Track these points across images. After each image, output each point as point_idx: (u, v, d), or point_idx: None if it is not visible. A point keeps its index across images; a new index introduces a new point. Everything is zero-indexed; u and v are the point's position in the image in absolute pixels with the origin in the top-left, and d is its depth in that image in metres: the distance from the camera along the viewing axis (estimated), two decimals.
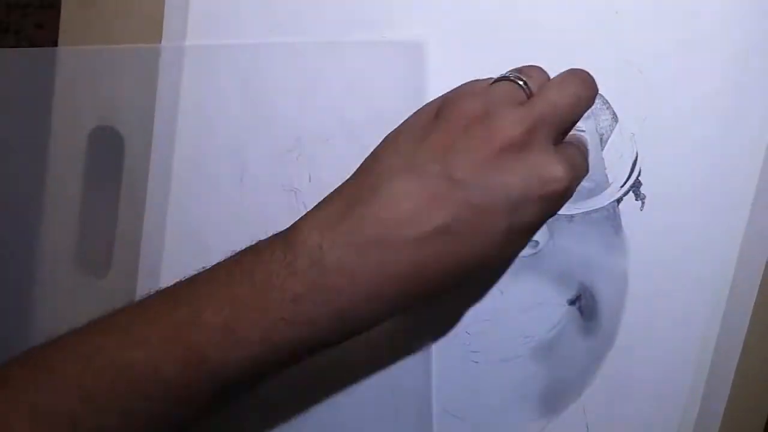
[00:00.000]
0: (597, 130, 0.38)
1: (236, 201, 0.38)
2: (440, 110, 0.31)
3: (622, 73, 0.37)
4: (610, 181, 0.38)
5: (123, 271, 0.41)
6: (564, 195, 0.30)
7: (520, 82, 0.32)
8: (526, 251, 0.39)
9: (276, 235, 0.31)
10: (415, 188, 0.28)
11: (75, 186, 0.41)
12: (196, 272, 0.30)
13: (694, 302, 0.38)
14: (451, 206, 0.28)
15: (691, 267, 0.38)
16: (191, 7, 0.39)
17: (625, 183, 0.38)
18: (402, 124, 0.33)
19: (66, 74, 0.40)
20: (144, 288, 0.41)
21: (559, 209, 0.32)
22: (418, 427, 0.40)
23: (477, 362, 0.39)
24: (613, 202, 0.38)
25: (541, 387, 0.39)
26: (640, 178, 0.38)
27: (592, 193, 0.38)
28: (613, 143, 0.38)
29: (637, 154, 0.38)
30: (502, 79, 0.32)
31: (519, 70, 0.33)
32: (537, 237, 0.38)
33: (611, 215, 0.38)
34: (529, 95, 0.32)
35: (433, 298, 0.30)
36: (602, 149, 0.38)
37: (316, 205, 0.31)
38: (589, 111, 0.37)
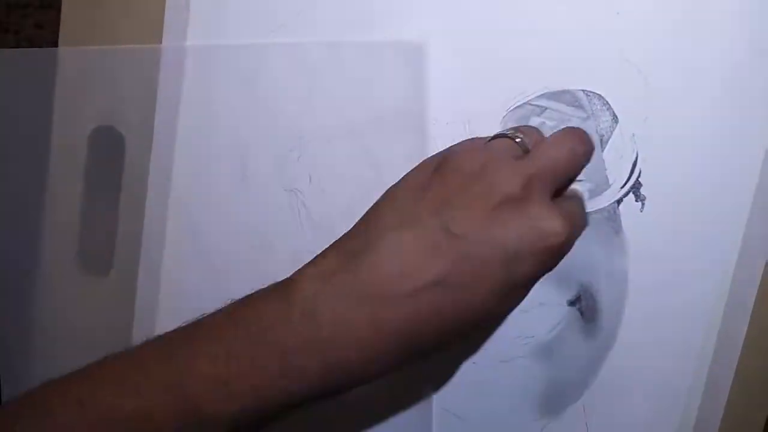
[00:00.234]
0: (597, 131, 0.38)
1: (237, 201, 0.38)
2: (439, 166, 0.31)
3: (623, 74, 0.37)
4: (611, 182, 0.38)
5: (124, 270, 0.41)
6: (562, 249, 0.30)
7: (518, 139, 0.32)
8: None
9: (274, 284, 0.31)
10: (412, 241, 0.28)
11: (76, 185, 0.41)
12: (193, 319, 0.30)
13: (694, 303, 0.38)
14: (448, 259, 0.28)
15: (690, 268, 0.38)
16: (192, 7, 0.39)
17: (625, 184, 0.38)
18: (402, 178, 0.33)
19: (67, 75, 0.40)
20: (144, 287, 0.41)
21: (557, 263, 0.32)
22: (418, 426, 0.40)
23: (476, 363, 0.40)
24: (613, 203, 0.38)
25: (541, 387, 0.40)
26: (640, 179, 0.38)
27: (592, 194, 0.38)
28: (614, 144, 0.38)
29: (637, 155, 0.38)
30: (500, 136, 0.33)
31: (516, 128, 0.34)
32: None
33: (611, 216, 0.38)
34: (526, 151, 0.32)
35: (429, 354, 0.30)
36: (602, 150, 0.38)
37: (315, 257, 0.31)
38: (590, 112, 0.38)
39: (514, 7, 0.38)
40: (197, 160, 0.40)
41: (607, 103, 0.38)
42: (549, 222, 0.29)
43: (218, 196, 0.40)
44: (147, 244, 0.41)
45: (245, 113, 0.40)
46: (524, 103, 0.38)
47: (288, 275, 0.38)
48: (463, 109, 0.38)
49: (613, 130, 0.38)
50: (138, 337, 0.41)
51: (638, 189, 0.38)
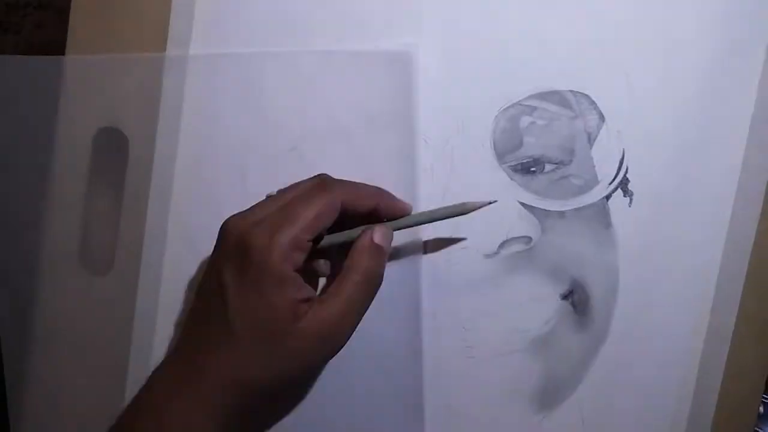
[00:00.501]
0: (585, 130, 0.39)
1: (237, 202, 0.38)
2: None
3: (607, 74, 0.39)
4: (599, 178, 0.40)
5: (125, 270, 0.41)
6: None
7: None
8: (520, 247, 0.40)
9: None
10: None
11: (79, 186, 0.42)
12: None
13: (684, 294, 0.39)
14: None
15: (679, 260, 0.39)
16: (196, 15, 0.41)
17: (613, 180, 0.39)
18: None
19: (74, 81, 0.41)
20: (145, 287, 0.41)
21: None
22: (408, 420, 0.40)
23: (472, 357, 0.40)
24: (602, 198, 0.40)
25: (536, 381, 0.40)
26: (627, 175, 0.39)
27: (581, 190, 0.40)
28: (601, 142, 0.39)
29: (623, 152, 0.39)
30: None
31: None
32: (530, 233, 0.40)
33: (601, 211, 0.40)
34: None
35: None
36: (591, 148, 0.39)
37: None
38: (577, 111, 0.39)
39: (499, 16, 0.40)
40: (198, 163, 0.41)
41: (594, 102, 0.39)
42: None
43: (219, 197, 0.41)
44: (148, 244, 0.41)
45: (245, 117, 0.41)
46: (515, 104, 0.39)
47: None
48: (455, 109, 0.40)
49: (600, 128, 0.39)
50: (138, 336, 0.41)
51: (626, 185, 0.39)
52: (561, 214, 0.40)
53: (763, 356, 0.39)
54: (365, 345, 0.39)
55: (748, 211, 0.39)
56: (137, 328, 0.41)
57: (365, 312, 0.35)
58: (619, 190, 0.39)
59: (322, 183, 0.35)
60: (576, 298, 0.40)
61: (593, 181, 0.40)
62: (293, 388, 0.38)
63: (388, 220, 0.37)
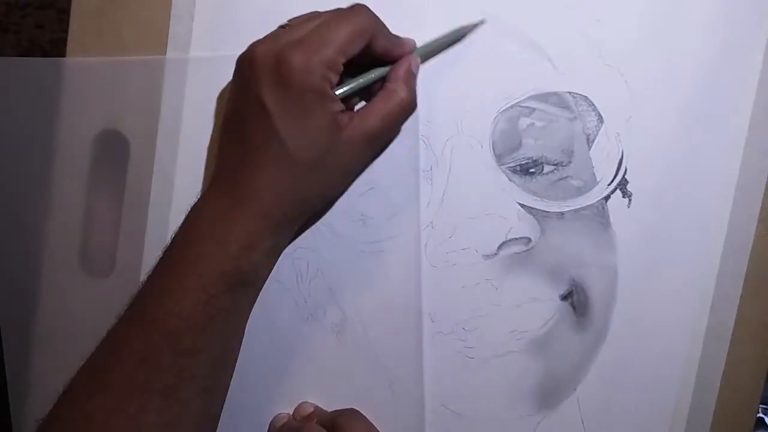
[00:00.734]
0: (584, 131, 0.40)
1: None
2: None
3: (605, 76, 0.39)
4: (598, 179, 0.40)
5: (126, 272, 0.41)
6: None
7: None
8: (519, 248, 0.40)
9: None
10: None
11: (80, 188, 0.42)
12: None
13: (683, 294, 0.39)
14: None
15: (678, 260, 0.39)
16: (196, 18, 0.41)
17: (612, 181, 0.40)
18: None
19: (74, 83, 0.42)
20: None
21: None
22: (409, 420, 0.40)
23: (472, 358, 0.40)
24: (601, 199, 0.40)
25: (535, 382, 0.40)
26: (626, 176, 0.40)
27: (580, 191, 0.40)
28: (600, 143, 0.40)
29: (622, 153, 0.39)
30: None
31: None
32: (529, 234, 0.40)
33: (600, 212, 0.40)
34: None
35: None
36: (589, 149, 0.40)
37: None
38: (576, 112, 0.39)
39: (497, 15, 0.40)
40: (199, 165, 0.42)
41: (593, 104, 0.39)
42: None
43: None
44: (149, 246, 0.42)
45: None
46: (514, 105, 0.40)
47: (286, 274, 0.41)
48: (454, 111, 0.40)
49: (599, 130, 0.40)
50: None
51: (625, 186, 0.40)
52: (560, 215, 0.40)
53: (762, 357, 0.39)
54: (365, 345, 0.39)
55: (746, 212, 0.39)
56: None
57: (396, 135, 0.39)
58: (618, 191, 0.40)
59: (351, 9, 0.36)
60: (575, 299, 0.40)
61: (592, 183, 0.40)
62: (335, 200, 0.40)
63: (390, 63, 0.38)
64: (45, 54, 0.43)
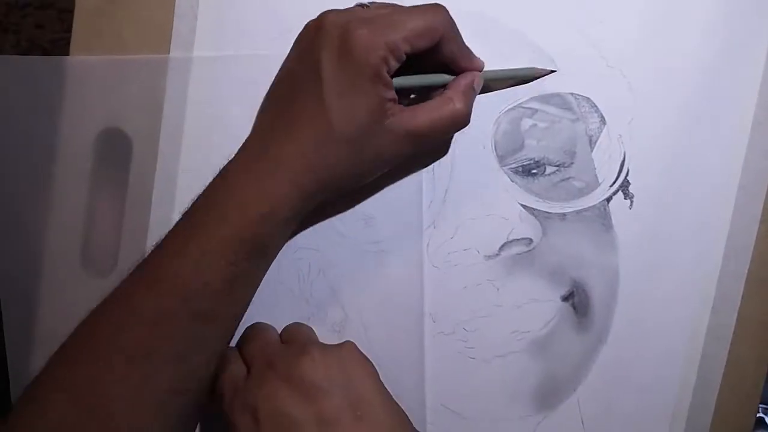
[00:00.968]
0: (586, 132, 0.40)
1: None
2: None
3: (608, 78, 0.39)
4: (600, 180, 0.40)
5: (128, 271, 0.41)
6: None
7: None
8: (520, 249, 0.40)
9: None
10: None
11: (82, 187, 0.42)
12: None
13: (684, 295, 0.40)
14: None
15: (679, 261, 0.39)
16: (199, 18, 0.41)
17: (614, 183, 0.40)
18: None
19: (77, 82, 0.42)
20: None
21: None
22: (411, 420, 0.40)
23: (473, 358, 0.40)
24: (603, 201, 0.40)
25: (536, 382, 0.40)
26: (628, 177, 0.40)
27: (582, 193, 0.40)
28: (602, 145, 0.40)
29: (624, 154, 0.40)
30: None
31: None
32: (531, 235, 0.40)
33: (602, 214, 0.40)
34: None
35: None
36: (592, 150, 0.40)
37: None
38: (578, 114, 0.39)
39: (499, 18, 0.40)
40: (202, 164, 0.41)
41: (595, 105, 0.40)
42: None
43: None
44: (151, 246, 0.42)
45: (248, 119, 0.41)
46: (516, 106, 0.40)
47: (288, 274, 0.41)
48: None
49: (601, 131, 0.40)
50: None
51: (627, 187, 0.40)
52: (562, 216, 0.40)
53: (762, 357, 0.39)
54: (367, 346, 0.39)
55: (748, 213, 0.39)
56: None
57: (444, 138, 0.39)
58: (620, 193, 0.40)
59: (430, 5, 0.36)
60: (576, 300, 0.40)
61: (594, 184, 0.40)
62: (363, 188, 0.39)
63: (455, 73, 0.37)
64: (45, 54, 0.43)
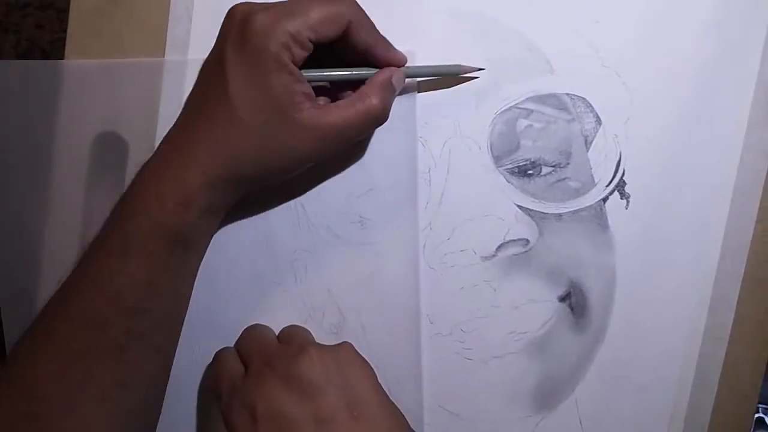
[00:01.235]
0: (582, 133, 0.40)
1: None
2: None
3: (604, 78, 0.39)
4: (596, 181, 0.40)
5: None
6: None
7: None
8: (517, 249, 0.40)
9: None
10: None
11: (79, 190, 0.42)
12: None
13: (681, 295, 0.39)
14: None
15: (676, 261, 0.39)
16: (194, 20, 0.41)
17: (610, 183, 0.40)
18: None
19: (73, 85, 0.42)
20: None
21: None
22: (409, 421, 0.40)
23: (471, 359, 0.40)
24: (599, 201, 0.40)
25: (534, 383, 0.40)
26: (624, 177, 0.40)
27: (578, 193, 0.40)
28: (598, 145, 0.40)
29: (620, 154, 0.40)
30: None
31: None
32: (527, 235, 0.40)
33: (598, 214, 0.40)
34: None
35: None
36: (587, 150, 0.40)
37: None
38: (574, 114, 0.39)
39: (496, 19, 0.40)
40: None
41: (591, 105, 0.39)
42: None
43: None
44: None
45: None
46: (512, 107, 0.40)
47: (285, 276, 0.41)
48: (452, 112, 0.40)
49: (597, 131, 0.40)
50: None
51: (623, 187, 0.40)
52: (558, 217, 0.40)
53: (760, 357, 0.39)
54: (364, 347, 0.39)
55: (744, 213, 0.39)
56: None
57: (356, 138, 0.37)
58: (616, 193, 0.40)
59: None
60: (573, 300, 0.40)
61: (590, 184, 0.40)
62: (275, 176, 0.38)
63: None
64: (45, 54, 0.43)
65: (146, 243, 0.34)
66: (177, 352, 0.39)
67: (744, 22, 0.39)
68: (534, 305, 0.40)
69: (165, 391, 0.38)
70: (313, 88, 0.36)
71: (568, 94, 0.40)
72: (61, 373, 0.34)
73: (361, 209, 0.40)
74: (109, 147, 0.42)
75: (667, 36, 0.39)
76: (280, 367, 0.35)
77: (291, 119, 0.34)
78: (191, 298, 0.39)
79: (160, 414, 0.39)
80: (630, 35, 0.39)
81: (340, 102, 0.36)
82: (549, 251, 0.40)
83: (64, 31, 0.42)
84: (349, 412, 0.34)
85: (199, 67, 0.39)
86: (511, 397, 0.40)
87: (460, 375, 0.40)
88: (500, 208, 0.40)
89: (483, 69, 0.39)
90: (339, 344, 0.37)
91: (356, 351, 0.36)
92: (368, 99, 0.35)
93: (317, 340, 0.40)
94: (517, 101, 0.40)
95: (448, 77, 0.40)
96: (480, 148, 0.40)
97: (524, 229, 0.40)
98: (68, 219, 0.42)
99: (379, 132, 0.38)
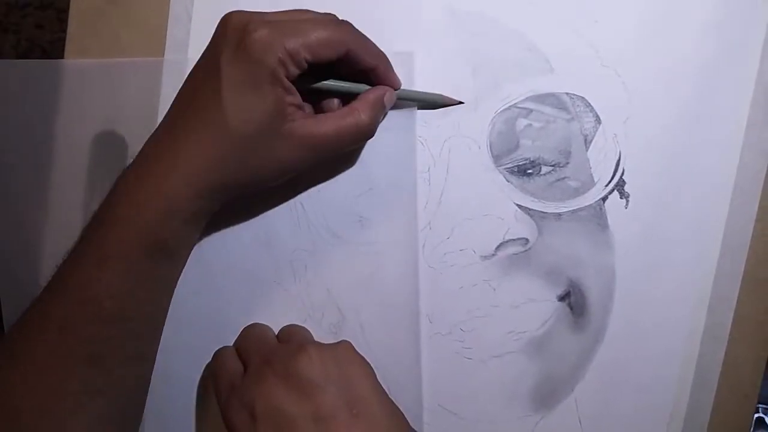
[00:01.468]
0: (581, 132, 0.40)
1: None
2: None
3: (603, 77, 0.39)
4: (596, 180, 0.40)
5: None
6: None
7: None
8: (516, 249, 0.40)
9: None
10: None
11: (78, 190, 0.42)
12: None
13: (680, 295, 0.39)
14: None
15: (675, 261, 0.39)
16: (193, 20, 0.41)
17: (609, 182, 0.40)
18: None
19: (73, 85, 0.42)
20: None
21: None
22: (408, 420, 0.40)
23: (470, 358, 0.40)
24: (598, 200, 0.40)
25: (533, 382, 0.40)
26: (623, 177, 0.40)
27: (578, 192, 0.40)
28: (597, 144, 0.40)
29: (620, 154, 0.40)
30: None
31: None
32: (526, 235, 0.40)
33: (597, 213, 0.40)
34: None
35: None
36: (587, 150, 0.40)
37: None
38: (573, 113, 0.39)
39: (501, 16, 0.40)
40: None
41: (590, 105, 0.39)
42: None
43: None
44: None
45: None
46: (511, 106, 0.40)
47: (284, 275, 0.41)
48: (452, 112, 0.40)
49: (597, 130, 0.40)
50: None
51: (622, 187, 0.40)
52: (557, 216, 0.40)
53: (759, 356, 0.39)
54: (363, 346, 0.39)
55: (744, 212, 0.39)
56: None
57: (342, 150, 0.37)
58: (616, 192, 0.40)
59: (336, 19, 0.36)
60: (573, 300, 0.40)
61: (589, 183, 0.40)
62: (263, 186, 0.38)
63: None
64: (45, 54, 0.43)
65: (127, 252, 0.34)
66: (177, 351, 0.39)
67: (744, 21, 0.39)
68: (533, 305, 0.40)
69: (145, 398, 0.38)
70: (299, 93, 0.36)
71: (567, 93, 0.40)
72: (35, 380, 0.34)
73: (360, 209, 0.40)
74: (109, 146, 0.42)
75: (666, 36, 0.39)
76: (279, 366, 0.35)
77: (281, 129, 0.35)
78: (191, 298, 0.39)
79: (140, 421, 0.38)
80: (630, 35, 0.39)
81: (330, 114, 0.36)
82: (548, 251, 0.40)
83: (64, 31, 0.42)
84: (349, 411, 0.34)
85: None
86: (511, 397, 0.40)
87: (460, 374, 0.40)
88: (500, 207, 0.40)
89: (462, 103, 0.40)
90: (338, 343, 0.37)
91: (355, 350, 0.36)
92: (358, 114, 0.36)
93: (316, 340, 0.40)
94: (516, 101, 0.40)
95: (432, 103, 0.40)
96: (479, 148, 0.40)
97: (524, 228, 0.40)
98: (68, 218, 0.42)
99: (378, 132, 0.38)
